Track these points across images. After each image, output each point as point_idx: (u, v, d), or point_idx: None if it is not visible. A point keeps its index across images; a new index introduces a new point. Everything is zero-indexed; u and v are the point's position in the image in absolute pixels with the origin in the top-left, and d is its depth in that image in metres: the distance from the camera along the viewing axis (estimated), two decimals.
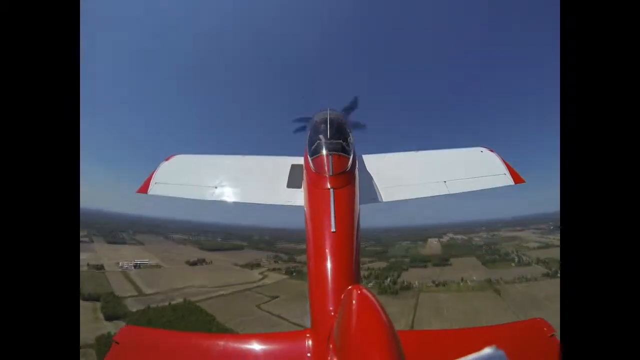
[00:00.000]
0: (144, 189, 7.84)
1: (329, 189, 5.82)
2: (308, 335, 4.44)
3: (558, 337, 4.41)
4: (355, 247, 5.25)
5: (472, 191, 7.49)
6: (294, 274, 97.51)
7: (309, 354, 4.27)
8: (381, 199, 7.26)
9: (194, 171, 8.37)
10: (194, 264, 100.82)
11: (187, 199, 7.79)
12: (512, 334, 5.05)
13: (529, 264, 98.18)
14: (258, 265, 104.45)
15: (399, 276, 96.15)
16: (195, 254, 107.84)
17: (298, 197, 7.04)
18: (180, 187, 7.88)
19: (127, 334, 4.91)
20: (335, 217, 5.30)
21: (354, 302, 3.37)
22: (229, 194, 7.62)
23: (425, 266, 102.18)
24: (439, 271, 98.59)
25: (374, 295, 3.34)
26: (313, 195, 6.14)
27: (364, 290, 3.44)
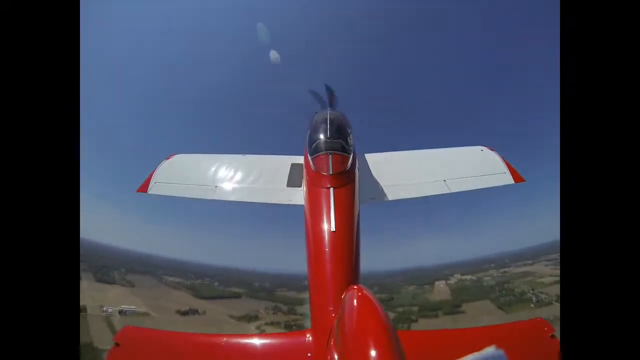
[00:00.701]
0: (143, 188, 8.07)
1: (329, 187, 6.01)
2: (308, 335, 4.60)
3: (558, 337, 4.50)
4: (355, 246, 5.41)
5: (473, 190, 7.63)
6: (294, 328, 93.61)
7: (309, 354, 4.39)
8: (381, 198, 7.44)
9: (194, 170, 8.56)
10: (185, 313, 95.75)
11: (188, 199, 7.94)
12: (513, 334, 5.12)
13: (549, 303, 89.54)
14: (256, 317, 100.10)
15: (408, 329, 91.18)
16: (189, 301, 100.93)
17: (298, 196, 7.22)
18: (181, 186, 8.08)
19: (127, 335, 5.02)
20: (335, 216, 5.48)
21: (354, 302, 3.53)
22: (229, 193, 7.83)
23: (436, 315, 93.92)
24: (451, 320, 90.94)
25: (374, 296, 3.48)
26: (313, 194, 6.30)
27: (365, 291, 3.59)
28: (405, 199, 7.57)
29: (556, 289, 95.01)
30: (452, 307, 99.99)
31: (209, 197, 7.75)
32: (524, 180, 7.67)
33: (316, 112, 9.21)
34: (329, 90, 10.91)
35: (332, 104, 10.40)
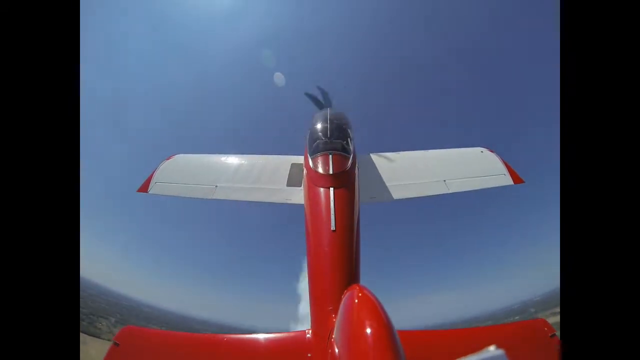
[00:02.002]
0: (144, 188, 8.14)
1: (329, 187, 6.07)
2: (308, 334, 4.68)
3: (558, 337, 4.55)
4: (355, 246, 5.46)
5: (472, 191, 7.68)
6: None
7: (309, 354, 4.46)
8: (381, 197, 7.54)
9: (194, 170, 8.64)
10: None
11: (188, 199, 7.98)
12: (513, 334, 5.17)
13: None
14: None
15: None
16: None
17: (298, 196, 7.33)
18: (181, 186, 8.17)
19: (127, 335, 5.08)
20: (335, 216, 5.54)
21: (355, 302, 3.55)
22: (229, 193, 7.91)
23: None
24: None
25: (374, 296, 3.53)
26: (313, 194, 6.35)
27: (365, 291, 3.61)
28: (405, 198, 7.63)
29: None
30: None
31: (209, 196, 7.81)
32: (523, 182, 7.77)
33: (317, 112, 9.26)
34: (323, 92, 11.02)
35: (328, 104, 10.52)
